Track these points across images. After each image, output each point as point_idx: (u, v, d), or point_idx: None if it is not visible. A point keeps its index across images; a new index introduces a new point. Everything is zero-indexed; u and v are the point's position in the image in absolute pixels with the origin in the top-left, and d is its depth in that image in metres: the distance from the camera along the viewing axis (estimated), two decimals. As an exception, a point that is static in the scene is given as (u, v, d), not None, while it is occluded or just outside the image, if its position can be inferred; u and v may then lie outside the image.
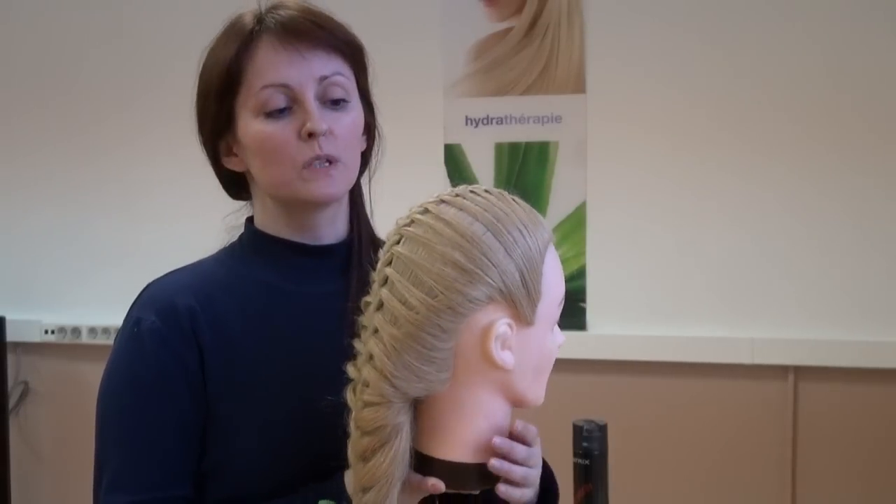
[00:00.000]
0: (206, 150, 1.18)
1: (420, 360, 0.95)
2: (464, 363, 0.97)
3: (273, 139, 1.09)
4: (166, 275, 1.17)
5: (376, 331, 0.96)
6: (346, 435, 1.00)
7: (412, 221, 0.98)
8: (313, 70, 1.09)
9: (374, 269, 1.01)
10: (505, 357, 0.97)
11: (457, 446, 1.00)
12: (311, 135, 1.08)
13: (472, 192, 1.00)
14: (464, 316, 0.95)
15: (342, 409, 1.00)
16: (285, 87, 1.09)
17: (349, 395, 0.99)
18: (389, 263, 0.97)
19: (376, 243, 1.18)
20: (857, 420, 2.37)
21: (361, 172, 1.20)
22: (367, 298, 0.99)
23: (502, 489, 1.00)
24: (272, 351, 1.11)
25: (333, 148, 1.10)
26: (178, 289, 1.12)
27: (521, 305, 0.98)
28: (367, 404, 0.96)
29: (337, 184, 1.11)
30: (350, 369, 0.99)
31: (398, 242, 0.97)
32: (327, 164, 1.10)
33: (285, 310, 1.13)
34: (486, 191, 1.01)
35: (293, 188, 1.10)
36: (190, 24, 2.72)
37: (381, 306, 0.96)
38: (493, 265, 0.95)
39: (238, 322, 1.11)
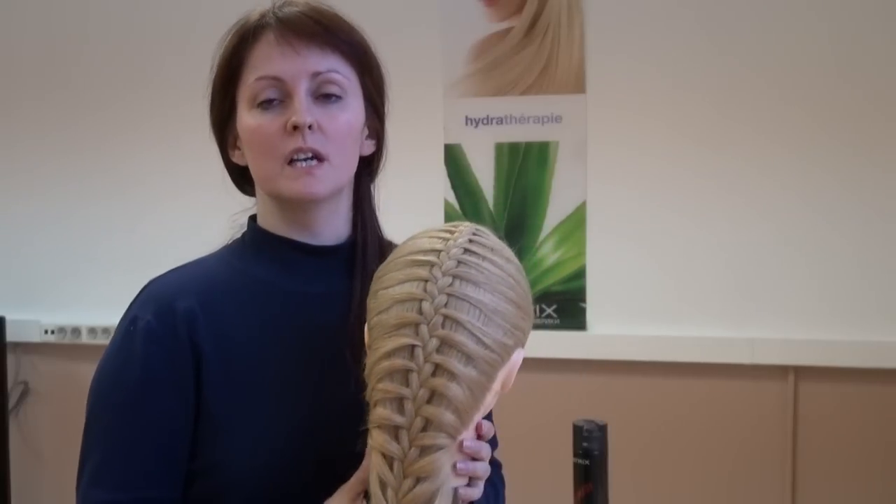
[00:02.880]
0: (217, 142, 1.19)
1: (487, 397, 0.97)
2: (490, 395, 0.99)
3: (261, 130, 1.09)
4: (168, 272, 1.16)
5: (442, 372, 0.93)
6: (347, 438, 0.98)
7: (459, 263, 0.97)
8: (307, 65, 1.09)
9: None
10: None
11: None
12: (295, 127, 1.07)
13: (480, 231, 1.03)
14: (516, 349, 0.99)
15: (343, 411, 1.00)
16: (278, 80, 1.09)
17: (385, 441, 0.93)
18: (445, 305, 0.95)
19: (383, 247, 1.17)
20: (857, 420, 2.37)
21: (367, 177, 1.20)
22: (406, 340, 0.94)
23: (462, 491, 1.00)
24: (273, 352, 1.10)
25: (321, 144, 1.08)
26: (179, 289, 1.11)
27: (527, 335, 1.03)
28: (429, 449, 0.93)
29: (320, 182, 1.09)
30: (387, 412, 0.94)
31: (450, 284, 0.95)
32: (314, 161, 1.08)
33: (287, 310, 1.13)
34: (481, 230, 1.04)
35: (277, 184, 1.10)
36: (192, 16, 2.73)
37: (440, 347, 0.94)
38: (530, 302, 1.02)
39: (239, 323, 1.10)
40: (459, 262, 0.97)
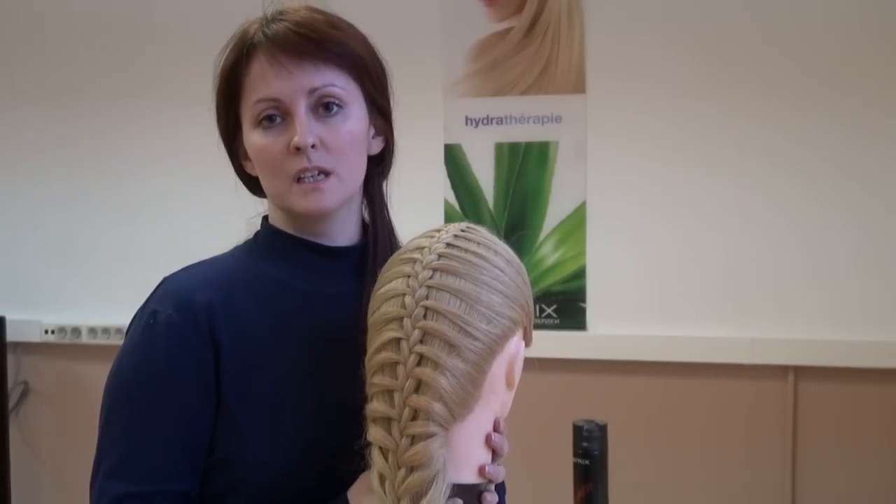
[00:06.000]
0: (227, 154, 1.20)
1: (476, 387, 0.98)
2: (489, 387, 1.00)
3: (266, 151, 1.10)
4: (184, 269, 1.17)
5: (426, 362, 0.96)
6: (358, 434, 1.00)
7: (440, 256, 1.00)
8: (302, 83, 1.09)
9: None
10: (518, 378, 1.03)
11: (468, 468, 1.01)
12: (298, 148, 1.08)
13: (469, 227, 1.06)
14: (507, 340, 1.00)
15: (356, 410, 1.01)
16: (276, 101, 1.09)
17: (380, 434, 0.97)
18: (426, 297, 0.97)
19: (394, 246, 1.18)
20: (857, 420, 2.37)
21: (377, 175, 1.20)
22: (393, 334, 0.98)
23: (489, 469, 1.04)
24: (289, 349, 1.11)
25: (325, 160, 1.09)
26: (198, 284, 1.12)
27: (530, 328, 1.05)
28: (419, 437, 0.95)
29: (329, 196, 1.10)
30: (379, 405, 0.98)
31: (430, 277, 0.98)
32: (321, 176, 1.09)
33: (301, 309, 1.13)
34: (471, 227, 1.06)
35: (288, 201, 1.11)
36: (192, 11, 2.73)
37: (423, 338, 0.96)
38: (522, 292, 1.03)
39: (256, 319, 1.11)
40: (440, 256, 1.00)
